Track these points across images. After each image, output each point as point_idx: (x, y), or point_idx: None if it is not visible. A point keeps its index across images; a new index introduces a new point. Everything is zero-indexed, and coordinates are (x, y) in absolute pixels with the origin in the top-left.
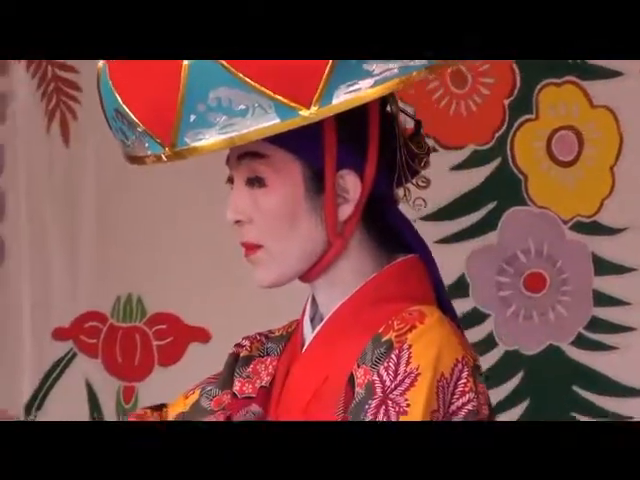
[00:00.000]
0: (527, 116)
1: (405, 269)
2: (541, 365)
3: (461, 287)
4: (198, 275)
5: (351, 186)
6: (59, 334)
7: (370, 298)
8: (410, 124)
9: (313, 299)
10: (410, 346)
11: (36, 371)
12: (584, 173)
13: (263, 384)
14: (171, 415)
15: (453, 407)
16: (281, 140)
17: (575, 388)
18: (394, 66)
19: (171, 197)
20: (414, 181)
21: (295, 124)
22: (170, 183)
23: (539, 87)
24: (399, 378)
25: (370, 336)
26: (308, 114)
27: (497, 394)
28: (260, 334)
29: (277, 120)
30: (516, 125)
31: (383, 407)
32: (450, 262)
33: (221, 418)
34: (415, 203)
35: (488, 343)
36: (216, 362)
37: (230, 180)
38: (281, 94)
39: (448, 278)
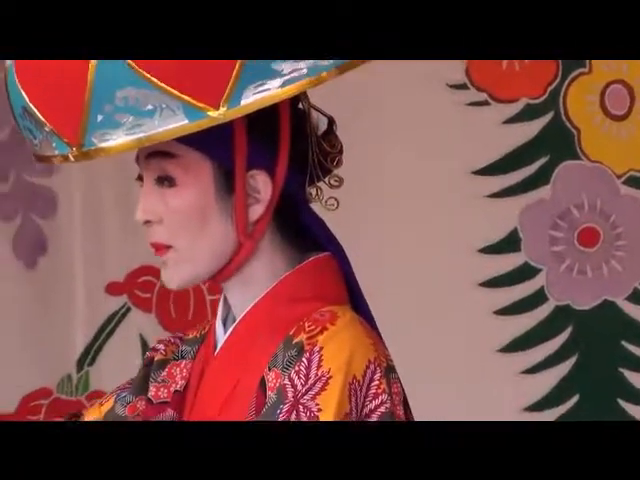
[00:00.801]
0: (580, 69)
1: (318, 267)
2: (592, 320)
3: (513, 241)
4: None
5: (262, 186)
6: (113, 289)
7: (282, 298)
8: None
9: (225, 300)
10: (321, 348)
11: (89, 326)
12: (636, 127)
13: (177, 388)
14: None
15: (366, 410)
16: (191, 140)
17: (624, 343)
18: (303, 66)
19: None
20: (326, 180)
21: (204, 125)
22: None
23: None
24: (310, 382)
25: (282, 338)
26: (217, 115)
27: (546, 349)
28: (175, 336)
29: (185, 121)
30: (569, 79)
31: (294, 412)
32: (502, 216)
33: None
34: (327, 203)
35: (538, 297)
36: None
37: (140, 178)
38: (189, 95)
39: (500, 232)
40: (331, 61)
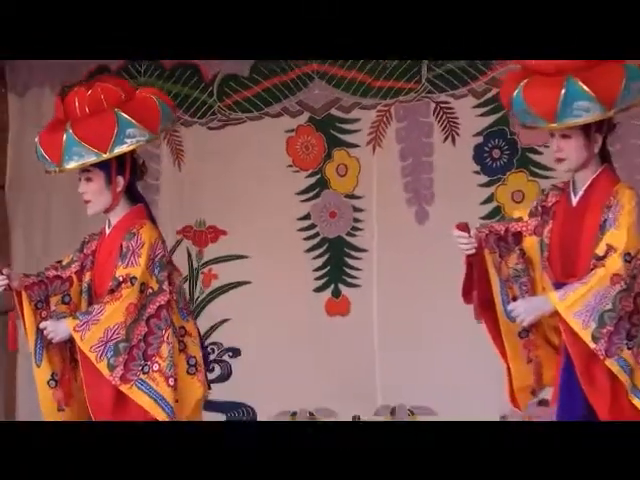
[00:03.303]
0: (328, 160)
1: (139, 208)
2: (334, 242)
3: (308, 216)
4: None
5: (120, 181)
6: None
7: (128, 219)
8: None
9: (108, 220)
10: (141, 233)
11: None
12: (346, 181)
13: (93, 249)
14: (64, 262)
15: (156, 253)
16: (96, 164)
17: (345, 249)
18: (134, 140)
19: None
20: (144, 180)
21: (101, 159)
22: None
23: (334, 152)
24: (137, 245)
25: (127, 230)
26: (106, 156)
27: (318, 252)
28: (92, 234)
29: (95, 158)
30: (326, 163)
31: (132, 255)
32: (305, 208)
33: (78, 265)
34: (144, 187)
35: (316, 235)
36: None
37: (80, 179)
38: (95, 148)
39: (304, 211)
40: (149, 136)
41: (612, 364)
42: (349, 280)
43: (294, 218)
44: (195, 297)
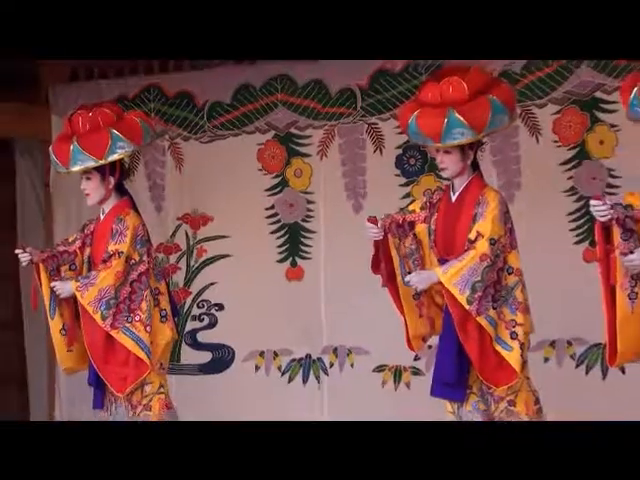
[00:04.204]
0: (288, 166)
1: (125, 201)
2: (293, 226)
3: (272, 208)
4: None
5: (112, 180)
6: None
7: (116, 208)
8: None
9: (103, 209)
10: (126, 220)
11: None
12: (303, 180)
13: (91, 230)
14: (70, 240)
15: (136, 236)
16: (95, 168)
17: (301, 232)
18: (119, 155)
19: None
20: (130, 178)
21: (98, 164)
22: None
23: (292, 160)
24: (124, 228)
25: (116, 217)
26: (102, 162)
27: (281, 232)
28: (91, 219)
29: (93, 163)
30: (287, 167)
31: (120, 236)
32: (270, 202)
33: (81, 242)
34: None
35: (277, 221)
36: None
37: (81, 178)
38: (95, 156)
39: (269, 203)
40: (134, 148)
41: (482, 320)
42: (303, 254)
43: (263, 208)
44: (191, 266)
